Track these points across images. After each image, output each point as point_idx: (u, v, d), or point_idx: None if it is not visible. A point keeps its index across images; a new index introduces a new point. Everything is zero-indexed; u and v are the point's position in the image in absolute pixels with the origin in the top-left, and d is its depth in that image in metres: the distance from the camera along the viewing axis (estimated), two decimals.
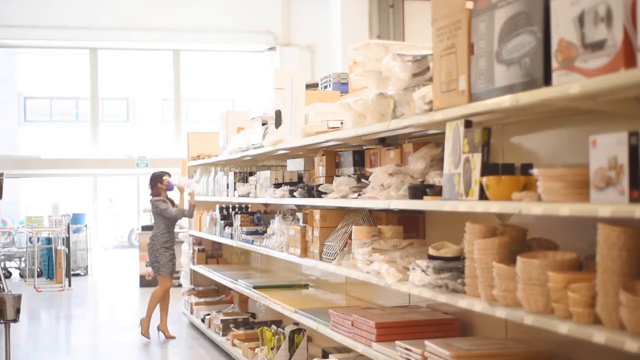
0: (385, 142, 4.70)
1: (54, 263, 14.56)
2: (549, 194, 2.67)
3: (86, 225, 16.38)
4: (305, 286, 6.88)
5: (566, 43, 2.54)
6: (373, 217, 4.77)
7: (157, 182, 9.04)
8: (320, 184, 5.13)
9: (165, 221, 8.90)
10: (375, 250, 4.19)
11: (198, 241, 10.31)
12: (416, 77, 3.61)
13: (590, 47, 2.44)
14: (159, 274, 8.92)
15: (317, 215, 5.11)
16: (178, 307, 10.58)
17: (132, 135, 25.06)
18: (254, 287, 6.91)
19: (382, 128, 3.89)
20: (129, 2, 15.55)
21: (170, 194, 9.33)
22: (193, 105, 25.26)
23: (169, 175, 9.16)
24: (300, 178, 6.35)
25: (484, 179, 3.05)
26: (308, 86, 6.06)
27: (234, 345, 7.42)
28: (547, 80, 2.67)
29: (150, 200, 9.05)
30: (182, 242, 10.98)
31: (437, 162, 3.88)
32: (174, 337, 8.91)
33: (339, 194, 4.61)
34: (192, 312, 9.51)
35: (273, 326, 6.58)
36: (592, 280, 2.55)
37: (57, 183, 23.61)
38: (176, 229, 14.13)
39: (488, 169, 3.13)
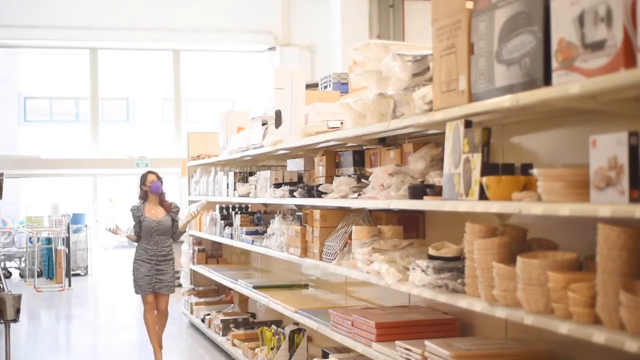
0: (385, 142, 4.70)
1: (54, 263, 14.56)
2: (549, 194, 2.67)
3: (86, 225, 16.38)
4: (305, 286, 6.88)
5: (566, 43, 2.54)
6: (373, 217, 4.77)
7: (142, 183, 7.63)
8: (320, 184, 5.13)
9: (142, 230, 7.51)
10: (375, 250, 4.19)
11: (198, 241, 10.31)
12: (416, 77, 3.61)
13: (590, 47, 2.44)
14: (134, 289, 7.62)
15: (317, 215, 5.11)
16: (178, 307, 10.58)
17: (132, 135, 25.07)
18: (254, 287, 6.92)
19: (382, 128, 3.89)
20: (129, 2, 15.55)
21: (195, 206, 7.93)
22: (193, 105, 25.26)
23: (156, 174, 7.64)
24: (300, 178, 6.35)
25: (484, 179, 3.05)
26: (308, 86, 6.05)
27: (234, 345, 7.42)
28: (547, 80, 2.67)
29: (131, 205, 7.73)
30: (182, 242, 10.98)
31: (437, 162, 3.88)
32: None
33: (339, 194, 4.61)
34: (192, 312, 9.51)
35: (273, 326, 6.58)
36: (592, 280, 2.55)
37: (57, 183, 23.61)
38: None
39: (488, 169, 3.13)
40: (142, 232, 7.47)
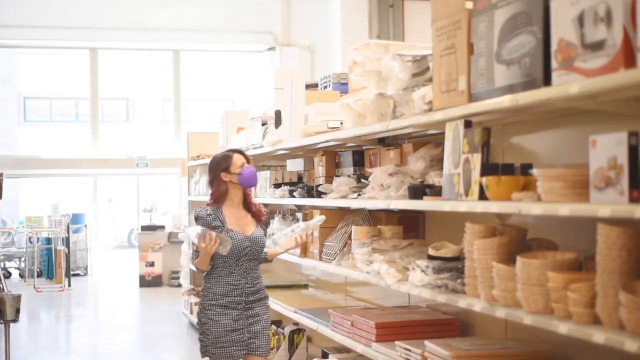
0: (385, 142, 4.70)
1: (54, 263, 14.56)
2: (549, 194, 2.67)
3: (86, 226, 16.38)
4: (305, 286, 6.88)
5: (566, 43, 2.54)
6: (373, 217, 4.77)
7: (221, 171, 4.50)
8: (320, 184, 5.12)
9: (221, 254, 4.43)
10: (375, 250, 4.19)
11: None
12: (416, 77, 3.61)
13: (589, 47, 2.44)
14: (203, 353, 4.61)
15: (317, 215, 5.11)
16: (178, 307, 10.58)
17: (132, 135, 25.06)
18: None
19: (382, 128, 3.89)
20: (129, 2, 15.54)
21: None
22: (193, 105, 25.27)
23: (244, 155, 4.59)
24: (300, 178, 6.35)
25: (484, 179, 3.05)
26: (308, 86, 6.05)
27: None
28: (546, 80, 2.66)
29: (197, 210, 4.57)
30: (182, 241, 10.96)
31: (437, 162, 3.87)
32: None
33: (338, 194, 4.61)
34: (192, 312, 9.50)
35: (273, 326, 6.57)
36: (592, 280, 2.55)
37: (57, 183, 23.62)
38: (174, 229, 13.83)
39: (488, 169, 3.12)
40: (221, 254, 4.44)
